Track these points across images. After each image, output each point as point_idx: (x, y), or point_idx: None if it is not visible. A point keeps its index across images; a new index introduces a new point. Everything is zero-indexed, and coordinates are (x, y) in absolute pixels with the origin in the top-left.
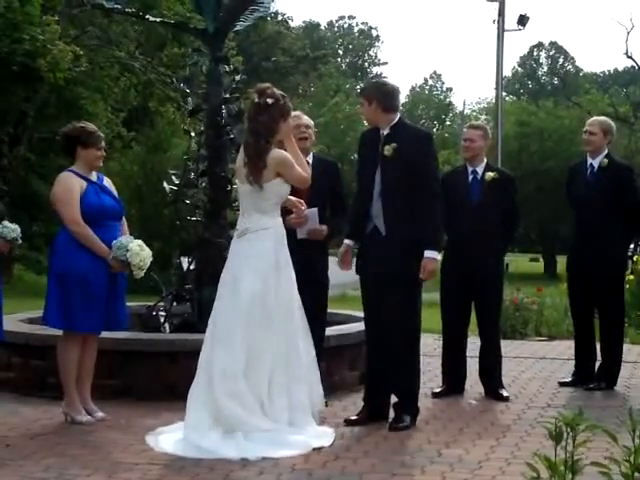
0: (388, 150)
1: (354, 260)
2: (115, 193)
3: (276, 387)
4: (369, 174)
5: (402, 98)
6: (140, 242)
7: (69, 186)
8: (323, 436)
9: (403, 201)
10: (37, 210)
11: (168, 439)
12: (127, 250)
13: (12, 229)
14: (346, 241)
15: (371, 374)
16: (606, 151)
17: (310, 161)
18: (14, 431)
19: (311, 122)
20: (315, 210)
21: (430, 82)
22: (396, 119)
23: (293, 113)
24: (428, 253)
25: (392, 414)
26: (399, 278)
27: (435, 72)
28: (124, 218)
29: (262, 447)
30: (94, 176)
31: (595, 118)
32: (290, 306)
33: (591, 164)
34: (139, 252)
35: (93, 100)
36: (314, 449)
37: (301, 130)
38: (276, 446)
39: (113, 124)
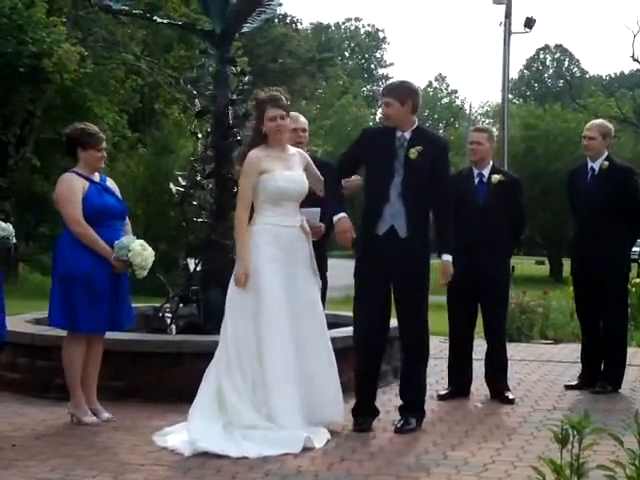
0: (413, 153)
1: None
2: (118, 194)
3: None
4: (385, 175)
5: None
6: (142, 242)
7: (71, 186)
8: (317, 435)
9: (422, 204)
10: (43, 211)
11: (175, 438)
12: (129, 250)
13: (2, 228)
14: (341, 214)
15: (365, 381)
16: (606, 153)
17: None
18: (20, 432)
19: (306, 124)
20: (317, 210)
21: (435, 84)
22: (416, 122)
23: (290, 114)
24: (446, 257)
25: (394, 416)
26: (417, 280)
27: (440, 74)
28: (127, 218)
29: (260, 446)
30: (97, 177)
31: (593, 122)
32: (269, 303)
33: (592, 167)
34: (141, 252)
35: (99, 102)
36: (319, 450)
37: (298, 134)
38: (272, 445)
39: (120, 125)
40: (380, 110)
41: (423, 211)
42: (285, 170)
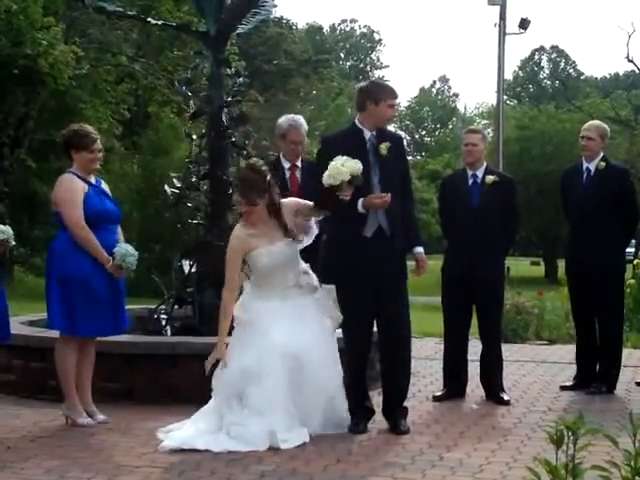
0: (383, 149)
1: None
2: (111, 196)
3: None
4: (365, 177)
5: (406, 101)
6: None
7: (72, 188)
8: (291, 436)
9: (398, 200)
10: (37, 212)
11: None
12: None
13: (2, 231)
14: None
15: (355, 382)
16: (602, 154)
17: (299, 165)
18: (15, 434)
19: (304, 132)
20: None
21: (438, 85)
22: None
23: (294, 117)
24: (419, 249)
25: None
26: (402, 277)
27: (444, 76)
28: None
29: (230, 442)
30: (92, 179)
31: (591, 123)
32: (267, 342)
33: (587, 168)
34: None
35: (92, 104)
36: (315, 450)
37: (291, 148)
38: (240, 441)
39: (114, 127)
40: (389, 112)
41: (399, 206)
42: (268, 245)
